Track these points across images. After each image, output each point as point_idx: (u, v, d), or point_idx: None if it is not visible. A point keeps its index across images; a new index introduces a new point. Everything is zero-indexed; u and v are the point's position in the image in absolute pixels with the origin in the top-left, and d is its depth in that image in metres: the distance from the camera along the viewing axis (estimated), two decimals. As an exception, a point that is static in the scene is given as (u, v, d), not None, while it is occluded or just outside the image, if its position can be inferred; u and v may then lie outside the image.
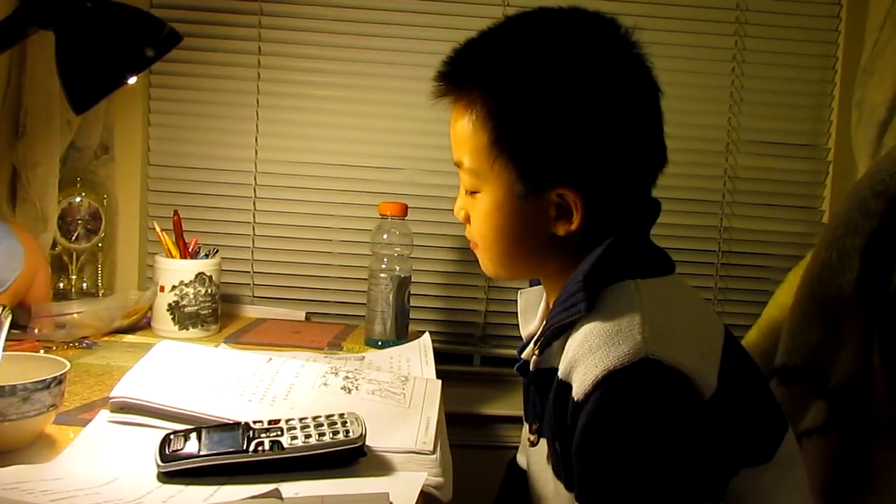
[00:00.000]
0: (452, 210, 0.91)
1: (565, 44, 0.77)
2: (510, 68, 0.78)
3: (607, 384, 0.69)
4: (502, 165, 0.79)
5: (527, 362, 0.84)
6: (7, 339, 0.84)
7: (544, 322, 0.82)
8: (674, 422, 0.70)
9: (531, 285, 0.96)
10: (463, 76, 0.81)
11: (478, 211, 0.84)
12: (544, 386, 0.81)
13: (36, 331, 1.21)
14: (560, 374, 0.75)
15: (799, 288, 1.18)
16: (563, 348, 0.77)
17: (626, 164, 0.79)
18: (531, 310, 0.94)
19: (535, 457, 0.92)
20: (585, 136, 0.76)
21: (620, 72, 0.78)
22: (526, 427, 0.95)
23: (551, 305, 0.84)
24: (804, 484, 0.83)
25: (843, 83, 1.62)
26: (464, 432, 1.51)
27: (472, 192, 0.84)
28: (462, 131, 0.81)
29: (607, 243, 0.77)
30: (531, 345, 0.82)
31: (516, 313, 0.95)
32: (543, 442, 0.87)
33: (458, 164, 0.84)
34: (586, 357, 0.72)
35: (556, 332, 0.77)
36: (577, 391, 0.71)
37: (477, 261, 0.90)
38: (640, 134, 0.79)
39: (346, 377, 0.97)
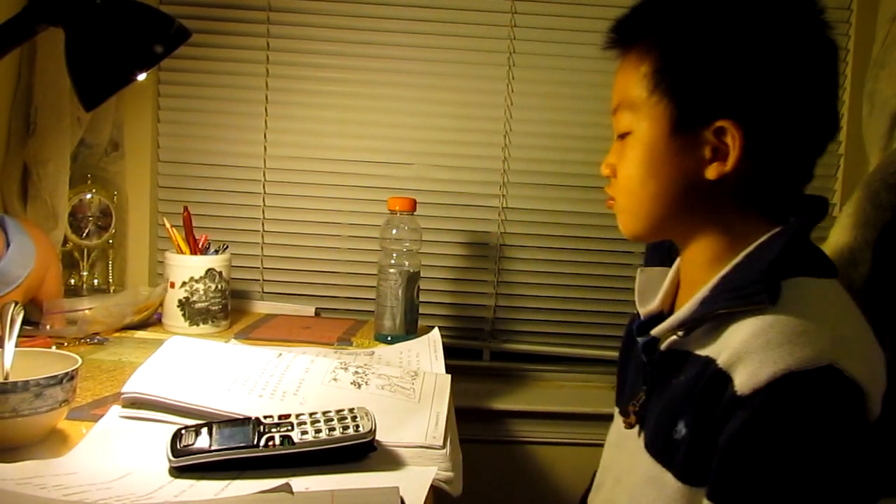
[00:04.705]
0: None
1: None
2: (679, 5, 0.78)
3: (783, 385, 0.65)
4: (661, 95, 0.77)
5: (655, 340, 0.80)
6: (19, 336, 0.84)
7: (697, 302, 0.77)
8: (843, 438, 0.66)
9: (647, 264, 0.93)
10: (635, 25, 0.81)
11: (628, 154, 0.81)
12: (669, 367, 0.77)
13: (48, 327, 1.22)
14: (720, 362, 0.71)
15: (810, 282, 1.17)
16: (713, 334, 0.73)
17: (790, 110, 0.76)
18: (651, 289, 0.90)
19: (627, 441, 0.87)
20: (749, 67, 0.74)
21: (793, 20, 0.76)
22: (617, 415, 0.91)
23: (710, 282, 0.78)
24: None
25: (854, 75, 1.61)
26: (473, 427, 1.51)
27: (624, 136, 0.82)
28: (626, 70, 0.81)
29: (788, 235, 0.74)
30: (667, 323, 0.78)
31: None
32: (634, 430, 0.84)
33: (615, 110, 0.83)
34: (761, 352, 0.67)
35: (718, 316, 0.73)
36: (744, 385, 0.67)
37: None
38: (807, 84, 0.76)
39: (356, 372, 0.98)
